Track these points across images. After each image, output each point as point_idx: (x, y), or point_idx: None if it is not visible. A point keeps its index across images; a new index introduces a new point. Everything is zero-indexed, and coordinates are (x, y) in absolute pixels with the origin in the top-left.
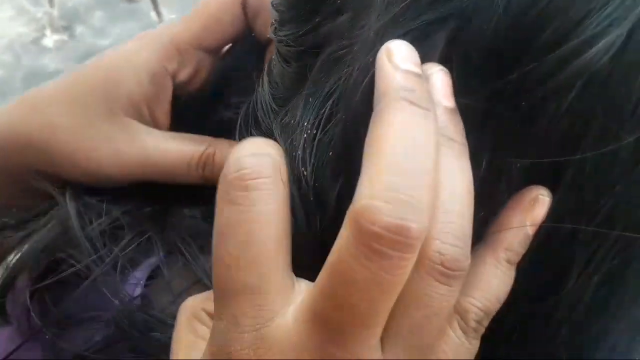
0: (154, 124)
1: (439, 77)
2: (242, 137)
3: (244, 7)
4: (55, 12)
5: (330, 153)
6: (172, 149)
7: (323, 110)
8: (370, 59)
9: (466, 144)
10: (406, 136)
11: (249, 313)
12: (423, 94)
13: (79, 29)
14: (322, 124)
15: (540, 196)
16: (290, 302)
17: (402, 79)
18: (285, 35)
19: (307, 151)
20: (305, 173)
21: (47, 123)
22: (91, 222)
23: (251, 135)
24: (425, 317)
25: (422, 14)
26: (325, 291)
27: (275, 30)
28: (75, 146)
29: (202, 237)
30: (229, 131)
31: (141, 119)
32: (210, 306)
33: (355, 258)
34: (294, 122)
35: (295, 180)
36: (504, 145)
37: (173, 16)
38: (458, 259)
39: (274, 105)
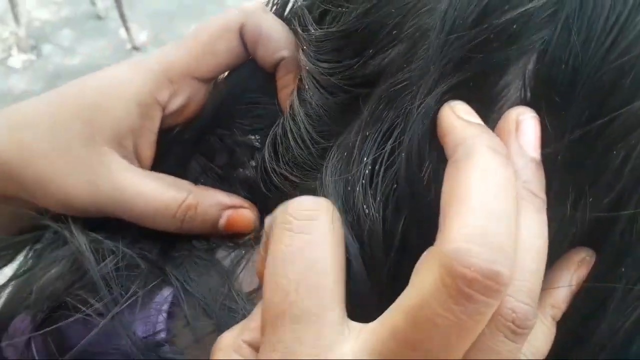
0: (137, 155)
1: (531, 125)
2: (265, 169)
3: (242, 34)
4: (21, 31)
5: (395, 186)
6: (150, 192)
7: (385, 147)
8: (433, 101)
9: (545, 199)
10: (492, 181)
11: (307, 341)
12: (499, 142)
13: (47, 48)
14: (384, 160)
15: (586, 257)
16: (346, 337)
17: (477, 128)
18: (330, 68)
19: (370, 187)
20: (366, 210)
21: (24, 147)
22: (103, 259)
23: (276, 167)
24: None
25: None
26: (399, 334)
27: (313, 61)
28: (51, 173)
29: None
30: (218, 164)
31: (123, 150)
32: (251, 336)
33: (441, 303)
34: (350, 157)
35: (355, 218)
36: (577, 196)
37: (144, 32)
38: (528, 317)
39: (316, 137)
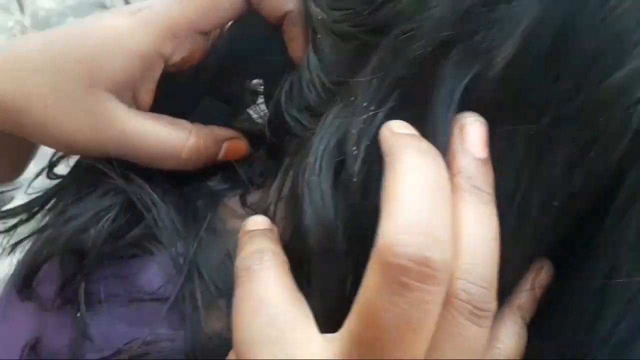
0: (135, 100)
1: (474, 128)
2: (279, 114)
3: None
4: (26, 20)
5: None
6: (154, 134)
7: (390, 96)
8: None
9: (493, 194)
10: (417, 178)
11: (278, 351)
12: (427, 145)
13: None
14: (387, 109)
15: (545, 265)
16: (314, 346)
17: (406, 137)
18: (342, 16)
19: (364, 131)
20: (355, 151)
21: (24, 89)
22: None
23: (292, 112)
24: (459, 358)
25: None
26: (355, 337)
27: (327, 10)
28: (52, 117)
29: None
30: (229, 112)
31: (122, 97)
32: None
33: (382, 296)
34: (355, 102)
35: (337, 161)
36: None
37: None
38: (485, 299)
39: (328, 84)
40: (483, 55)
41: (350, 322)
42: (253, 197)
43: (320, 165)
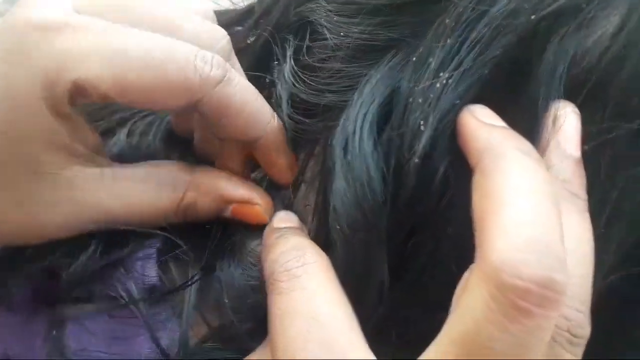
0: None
1: (572, 121)
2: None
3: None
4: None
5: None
6: (141, 202)
7: (473, 67)
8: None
9: (587, 199)
10: (527, 185)
11: None
12: (528, 144)
13: None
14: (467, 84)
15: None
16: None
17: (502, 131)
18: None
19: (432, 102)
20: (422, 125)
21: None
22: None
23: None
24: None
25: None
26: None
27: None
28: (8, 225)
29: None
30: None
31: (78, 159)
32: None
33: (496, 324)
34: (417, 62)
35: (401, 132)
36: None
37: None
38: (581, 325)
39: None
40: (586, 31)
41: (447, 351)
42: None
43: (361, 134)
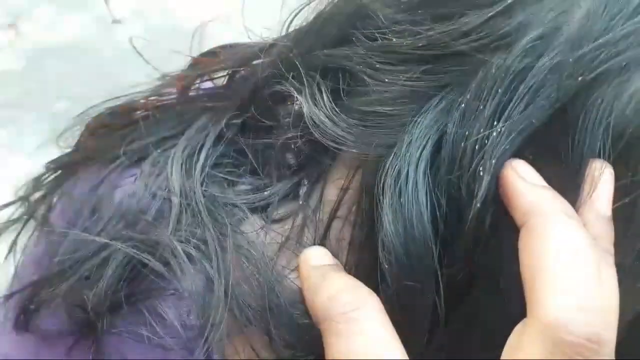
0: None
1: (607, 182)
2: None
3: None
4: None
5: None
6: None
7: (522, 116)
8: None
9: (613, 252)
10: (573, 248)
11: None
12: (569, 206)
13: (24, 26)
14: (516, 132)
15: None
16: None
17: (546, 193)
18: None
19: (488, 148)
20: (481, 173)
21: None
22: None
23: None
24: None
25: None
26: None
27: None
28: None
29: None
30: None
31: None
32: None
33: None
34: (467, 108)
35: (462, 179)
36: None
37: (125, 3)
38: None
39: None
40: (624, 86)
41: None
42: (280, 211)
43: (416, 173)
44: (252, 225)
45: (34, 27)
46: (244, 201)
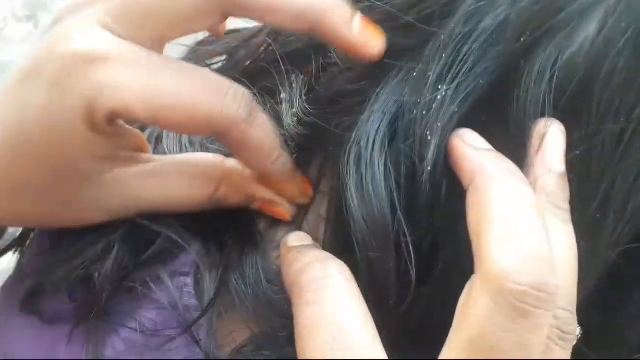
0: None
1: (555, 138)
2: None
3: None
4: (16, 0)
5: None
6: (175, 196)
7: (466, 80)
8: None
9: (569, 209)
10: (516, 203)
11: None
12: (512, 165)
13: (43, 17)
14: (462, 96)
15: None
16: None
17: (489, 154)
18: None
19: (435, 112)
20: (428, 136)
21: (19, 215)
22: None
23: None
24: None
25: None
26: None
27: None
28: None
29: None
30: None
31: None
32: None
33: (500, 325)
34: (418, 77)
35: (410, 144)
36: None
37: None
38: (570, 322)
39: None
40: (569, 40)
41: (455, 354)
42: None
43: (373, 147)
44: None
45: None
46: None
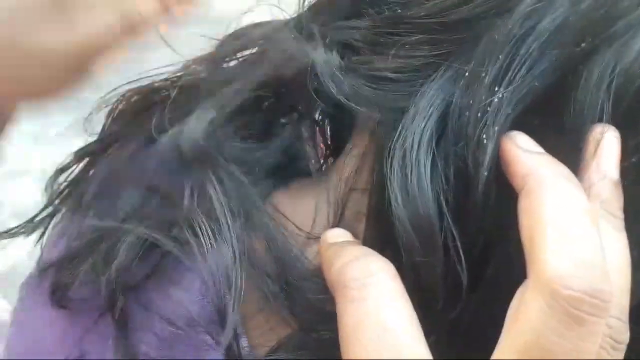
0: None
1: (610, 145)
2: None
3: None
4: None
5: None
6: None
7: (523, 85)
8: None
9: (623, 217)
10: (570, 208)
11: None
12: (566, 169)
13: None
14: (517, 100)
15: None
16: None
17: (542, 158)
18: None
19: (490, 115)
20: (484, 139)
21: None
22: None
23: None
24: None
25: None
26: None
27: None
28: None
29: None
30: None
31: None
32: None
33: (554, 330)
34: (471, 76)
35: (464, 145)
36: None
37: None
38: (622, 332)
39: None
40: (627, 47)
41: (507, 356)
42: (300, 190)
43: (419, 146)
44: (272, 203)
45: None
46: (263, 170)
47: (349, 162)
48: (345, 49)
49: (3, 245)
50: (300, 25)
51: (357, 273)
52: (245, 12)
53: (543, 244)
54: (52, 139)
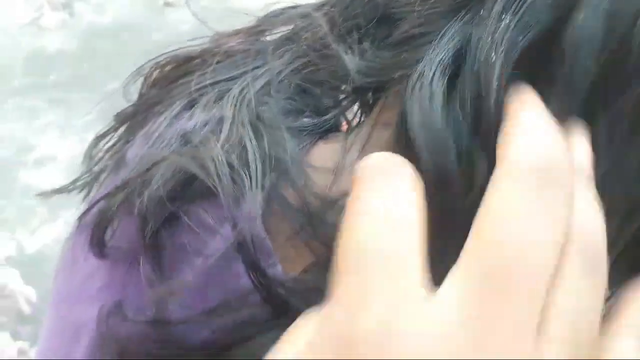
0: None
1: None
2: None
3: None
4: None
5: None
6: None
7: (528, 23)
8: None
9: (592, 175)
10: (539, 127)
11: (382, 290)
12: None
13: (78, 6)
14: (519, 21)
15: None
16: (425, 287)
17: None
18: None
19: (499, 38)
20: (493, 58)
21: None
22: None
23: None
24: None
25: None
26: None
27: None
28: None
29: None
30: None
31: None
32: None
33: (522, 199)
34: (483, 14)
35: (474, 67)
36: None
37: None
38: (598, 247)
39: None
40: None
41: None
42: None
43: (433, 75)
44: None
45: (87, 8)
46: (296, 126)
47: (376, 109)
48: (374, 25)
49: (32, 229)
50: (333, 21)
51: (380, 162)
52: (274, 3)
53: (513, 136)
54: (78, 129)
